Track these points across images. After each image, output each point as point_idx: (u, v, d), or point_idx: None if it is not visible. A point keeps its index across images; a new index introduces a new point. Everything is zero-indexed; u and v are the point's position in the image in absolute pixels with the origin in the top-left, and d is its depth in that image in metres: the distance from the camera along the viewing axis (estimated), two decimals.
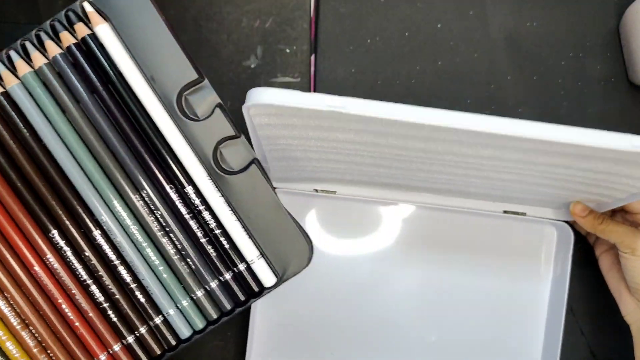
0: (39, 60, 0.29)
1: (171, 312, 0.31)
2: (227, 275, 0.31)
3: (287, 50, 0.48)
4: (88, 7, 0.29)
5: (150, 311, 0.31)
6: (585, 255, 0.49)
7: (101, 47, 0.29)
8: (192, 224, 0.31)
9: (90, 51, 0.29)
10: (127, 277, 0.31)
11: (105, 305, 0.31)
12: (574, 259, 0.47)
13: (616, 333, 0.48)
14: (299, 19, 0.48)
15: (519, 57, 0.49)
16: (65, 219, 0.30)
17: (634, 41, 0.47)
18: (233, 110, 0.48)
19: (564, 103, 0.49)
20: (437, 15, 0.49)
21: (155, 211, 0.30)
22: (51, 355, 0.30)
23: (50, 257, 0.30)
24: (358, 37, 0.49)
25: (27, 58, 0.30)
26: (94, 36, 0.29)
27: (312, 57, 0.49)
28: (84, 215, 0.30)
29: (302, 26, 0.49)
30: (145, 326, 0.31)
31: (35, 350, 0.30)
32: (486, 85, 0.49)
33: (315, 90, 0.49)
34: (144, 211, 0.30)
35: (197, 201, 0.30)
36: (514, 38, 0.49)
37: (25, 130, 0.29)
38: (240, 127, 0.48)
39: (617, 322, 0.47)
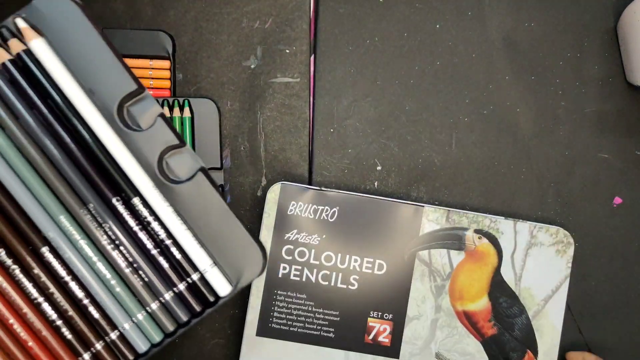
0: None
1: (127, 326, 0.31)
2: (181, 286, 0.31)
3: (287, 51, 0.49)
4: (21, 23, 0.29)
5: (105, 326, 0.31)
6: (586, 255, 0.49)
7: (37, 62, 0.29)
8: (142, 235, 0.30)
9: (26, 67, 0.29)
10: (79, 293, 0.30)
11: (59, 322, 0.30)
12: (575, 258, 0.47)
13: (616, 333, 0.48)
14: (299, 19, 0.49)
15: (517, 57, 0.49)
16: (11, 237, 0.29)
17: (631, 41, 0.47)
18: (232, 110, 0.48)
19: (561, 103, 0.49)
20: (435, 15, 0.49)
21: (103, 224, 0.30)
22: None
23: None
24: (357, 38, 0.49)
25: None
26: (29, 52, 0.29)
27: (312, 57, 0.49)
28: (31, 233, 0.29)
29: (301, 26, 0.49)
30: (101, 342, 0.30)
31: None
32: (484, 85, 0.49)
33: (314, 91, 0.49)
34: (91, 225, 0.30)
35: (145, 212, 0.30)
36: (512, 38, 0.49)
37: None
38: (241, 127, 0.48)
39: (617, 322, 0.47)
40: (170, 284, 0.31)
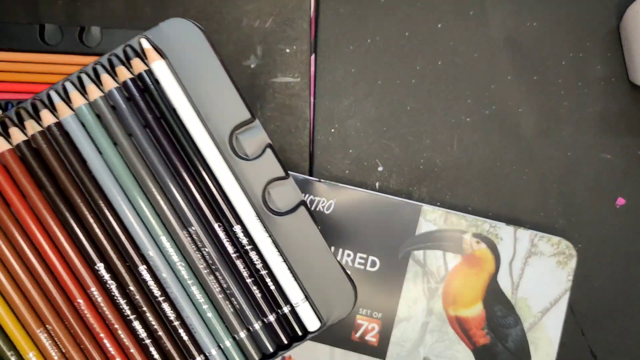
0: (94, 93, 0.29)
1: (213, 352, 0.31)
2: (271, 317, 0.31)
3: (287, 50, 0.48)
4: (145, 44, 0.30)
5: (192, 350, 0.31)
6: (589, 256, 0.49)
7: (156, 83, 0.30)
8: (239, 263, 0.31)
9: (145, 87, 0.30)
10: (171, 314, 0.30)
11: (148, 341, 0.30)
12: (577, 260, 0.47)
13: (616, 333, 0.48)
14: (299, 19, 0.48)
15: (519, 57, 0.49)
16: (112, 252, 0.30)
17: (634, 41, 0.47)
18: None
19: (564, 103, 0.49)
20: (437, 15, 0.49)
21: (202, 249, 0.30)
22: None
23: (95, 290, 0.30)
24: (358, 37, 0.49)
25: (83, 90, 0.30)
26: (149, 72, 0.30)
27: (312, 57, 0.49)
28: (131, 250, 0.30)
29: (302, 26, 0.49)
30: None
31: None
32: (486, 85, 0.49)
33: (315, 91, 0.49)
34: (191, 248, 0.30)
35: (244, 240, 0.30)
36: (514, 38, 0.49)
37: (76, 162, 0.29)
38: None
39: (618, 323, 0.47)
40: (260, 314, 0.31)
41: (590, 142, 0.49)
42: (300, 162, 0.48)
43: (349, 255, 0.45)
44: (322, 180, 0.46)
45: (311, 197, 0.45)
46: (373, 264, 0.44)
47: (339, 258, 0.44)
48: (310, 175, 0.48)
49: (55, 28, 0.48)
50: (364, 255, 0.45)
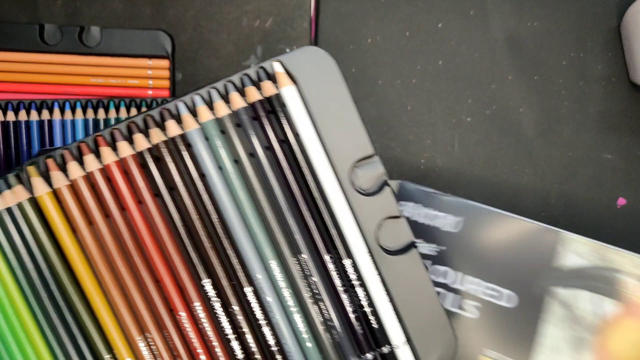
0: (222, 110, 0.29)
1: None
2: (369, 356, 0.30)
3: (287, 50, 0.48)
4: (278, 68, 0.30)
5: None
6: None
7: (283, 106, 0.30)
8: (344, 297, 0.30)
9: (272, 109, 0.30)
10: (270, 339, 0.30)
11: None
12: None
13: None
14: (299, 18, 0.48)
15: (519, 57, 0.49)
16: (219, 269, 0.29)
17: (635, 41, 0.47)
18: None
19: (565, 103, 0.49)
20: (437, 15, 0.49)
21: (309, 277, 0.30)
22: None
23: (198, 305, 0.29)
24: (358, 37, 0.49)
25: (210, 105, 0.30)
26: (278, 95, 0.30)
27: None
28: (239, 270, 0.29)
29: (302, 26, 0.48)
30: None
31: None
32: (487, 85, 0.49)
33: None
34: (298, 275, 0.30)
35: (353, 275, 0.30)
36: (514, 38, 0.49)
37: (194, 175, 0.29)
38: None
39: None
40: (359, 350, 0.30)
41: (591, 142, 0.49)
42: None
43: (475, 283, 0.38)
44: (449, 195, 0.42)
45: (435, 212, 0.39)
46: (504, 297, 0.37)
47: (462, 286, 0.38)
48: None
49: (55, 28, 0.48)
50: (494, 286, 0.38)
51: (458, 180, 0.48)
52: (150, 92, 0.47)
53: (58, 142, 0.44)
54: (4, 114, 0.44)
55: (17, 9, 0.48)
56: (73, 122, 0.45)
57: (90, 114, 0.45)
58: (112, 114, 0.45)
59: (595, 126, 0.49)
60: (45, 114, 0.44)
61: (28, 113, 0.44)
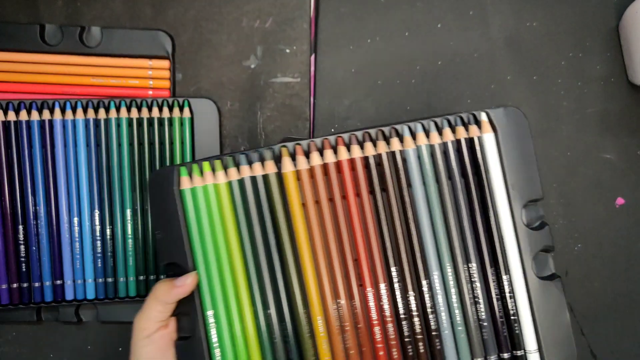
0: (435, 139, 0.37)
1: None
2: (506, 355, 0.37)
3: (287, 50, 0.48)
4: (484, 117, 0.37)
5: (436, 358, 0.37)
6: (589, 256, 0.49)
7: (482, 147, 0.38)
8: (497, 304, 0.37)
9: (473, 147, 0.37)
10: (433, 325, 0.37)
11: (407, 340, 0.37)
12: (577, 259, 0.47)
13: (616, 333, 0.48)
14: (299, 19, 0.49)
15: (519, 57, 0.49)
16: (406, 262, 0.37)
17: (633, 41, 0.47)
18: (232, 110, 0.48)
19: (564, 103, 0.49)
20: (437, 15, 0.49)
21: (473, 283, 0.37)
22: None
23: (383, 286, 0.37)
24: (358, 37, 0.49)
25: (426, 133, 0.38)
26: (480, 138, 0.37)
27: (312, 57, 0.49)
28: (421, 266, 0.37)
29: (302, 26, 0.49)
30: None
31: (340, 353, 0.37)
32: (486, 85, 0.49)
33: (315, 90, 0.49)
34: (465, 279, 0.37)
35: (507, 288, 0.37)
36: (514, 38, 0.49)
37: (404, 184, 0.37)
38: (241, 127, 0.48)
39: (618, 323, 0.47)
40: (498, 349, 0.37)
41: (589, 142, 0.49)
42: None
43: None
44: None
45: None
46: None
47: None
48: None
49: (56, 28, 0.48)
50: None
51: None
52: (150, 92, 0.47)
53: (59, 141, 0.44)
54: (5, 113, 0.44)
55: (18, 10, 0.48)
56: (74, 122, 0.45)
57: (90, 113, 0.45)
58: (113, 114, 0.45)
59: (594, 126, 0.49)
60: (46, 114, 0.44)
61: (29, 113, 0.44)
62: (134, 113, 0.45)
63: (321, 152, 0.36)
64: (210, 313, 0.36)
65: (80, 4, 0.48)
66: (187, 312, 0.36)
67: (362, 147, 0.36)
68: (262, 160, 0.36)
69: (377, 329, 0.36)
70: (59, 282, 0.45)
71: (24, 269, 0.44)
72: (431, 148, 0.37)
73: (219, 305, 0.36)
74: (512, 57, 0.49)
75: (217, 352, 0.36)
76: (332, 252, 0.36)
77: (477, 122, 0.37)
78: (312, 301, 0.36)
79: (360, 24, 0.49)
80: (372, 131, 0.36)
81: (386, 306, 0.36)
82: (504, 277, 0.37)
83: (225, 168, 0.36)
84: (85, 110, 0.45)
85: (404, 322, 0.36)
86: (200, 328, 0.36)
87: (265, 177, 0.36)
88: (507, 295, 0.36)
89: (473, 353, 0.36)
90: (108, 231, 0.45)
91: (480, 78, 0.49)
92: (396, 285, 0.36)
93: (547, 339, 0.36)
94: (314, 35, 0.49)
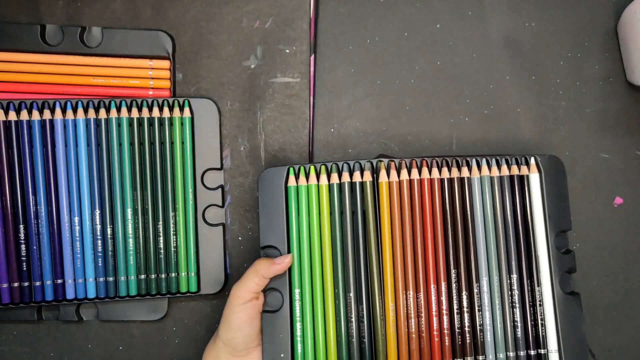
0: (494, 171, 0.45)
1: (491, 357, 0.44)
2: (532, 352, 0.44)
3: (287, 51, 0.49)
4: (532, 161, 0.45)
5: (479, 348, 0.44)
6: (587, 255, 0.49)
7: (528, 184, 0.46)
8: (529, 310, 0.44)
9: (522, 184, 0.45)
10: (478, 321, 0.44)
11: (457, 331, 0.44)
12: (576, 259, 0.47)
13: (617, 333, 0.48)
14: (299, 19, 0.49)
15: (517, 57, 0.49)
16: (463, 268, 0.44)
17: (632, 41, 0.47)
18: (232, 110, 0.48)
19: (562, 103, 0.49)
20: (436, 15, 0.49)
21: (513, 290, 0.44)
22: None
23: (444, 285, 0.44)
24: (357, 37, 0.49)
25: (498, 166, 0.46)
26: (527, 176, 0.45)
27: (312, 57, 0.49)
28: (474, 272, 0.44)
29: (301, 26, 0.49)
30: (470, 358, 0.44)
31: (404, 336, 0.44)
32: (485, 85, 0.49)
33: (314, 90, 0.49)
34: (506, 286, 0.44)
35: (538, 297, 0.45)
36: (512, 38, 0.49)
37: (467, 205, 0.44)
38: (241, 127, 0.48)
39: (616, 322, 0.47)
40: (526, 346, 0.44)
41: (588, 142, 0.49)
42: (299, 161, 0.49)
43: None
44: None
45: None
46: None
47: None
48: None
49: (56, 28, 0.48)
50: None
51: None
52: (150, 92, 0.48)
53: (59, 141, 0.44)
54: (6, 113, 0.44)
55: (19, 10, 0.48)
56: (74, 122, 0.45)
57: (91, 113, 0.45)
58: (113, 113, 0.45)
59: (592, 126, 0.49)
60: (47, 114, 0.45)
61: (30, 113, 0.45)
62: (135, 113, 0.46)
63: (409, 170, 0.44)
64: (297, 291, 0.43)
65: (81, 4, 0.48)
66: (276, 289, 0.43)
67: (439, 171, 0.44)
68: (361, 170, 0.44)
69: (435, 319, 0.43)
70: (59, 281, 0.45)
71: (24, 268, 0.45)
72: (491, 179, 0.45)
73: (305, 285, 0.43)
74: (511, 58, 0.49)
75: (298, 326, 0.43)
76: (407, 252, 0.44)
77: (527, 164, 0.45)
78: (387, 290, 0.43)
79: (359, 24, 0.49)
80: (449, 159, 0.45)
81: (444, 301, 0.44)
82: (537, 289, 0.45)
83: (328, 173, 0.44)
84: (85, 110, 0.45)
85: (456, 316, 0.44)
86: (287, 303, 0.43)
87: (362, 184, 0.44)
88: (538, 303, 0.44)
89: (507, 347, 0.44)
90: (108, 230, 0.45)
91: (479, 78, 0.49)
92: (453, 285, 0.44)
93: (566, 343, 0.44)
94: (314, 35, 0.49)
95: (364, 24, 0.49)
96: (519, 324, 0.44)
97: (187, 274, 0.46)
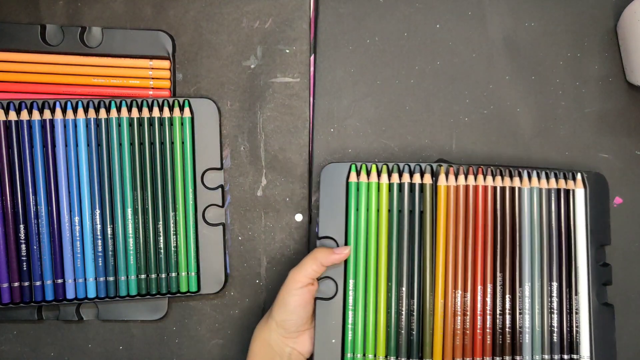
0: (543, 184, 0.47)
1: (527, 358, 0.46)
2: (565, 357, 0.46)
3: (287, 51, 0.49)
4: (579, 176, 0.47)
5: (516, 349, 0.46)
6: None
7: (574, 197, 0.47)
8: (566, 316, 0.46)
9: (567, 198, 0.47)
10: (518, 322, 0.46)
11: (499, 331, 0.46)
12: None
13: (617, 332, 0.48)
14: (299, 19, 0.49)
15: (517, 57, 0.49)
16: (508, 272, 0.46)
17: (631, 41, 0.47)
18: (232, 110, 0.48)
19: (562, 103, 0.49)
20: (435, 15, 0.49)
21: (552, 297, 0.46)
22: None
23: (490, 286, 0.46)
24: (357, 37, 0.49)
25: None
26: (573, 191, 0.47)
27: (312, 57, 0.49)
28: (518, 277, 0.46)
29: (301, 26, 0.49)
30: (509, 357, 0.46)
31: (449, 332, 0.46)
32: (485, 85, 0.49)
33: (314, 90, 0.49)
34: (547, 293, 0.46)
35: (575, 306, 0.47)
36: (512, 38, 0.49)
37: (516, 212, 0.46)
38: (241, 127, 0.48)
39: (616, 321, 0.47)
40: (561, 350, 0.46)
41: (587, 142, 0.49)
42: (299, 161, 0.49)
43: None
44: None
45: None
46: None
47: None
48: (310, 174, 0.49)
49: (56, 28, 0.48)
50: None
51: None
52: (151, 92, 0.48)
53: (60, 141, 0.44)
54: (6, 113, 0.44)
55: (19, 10, 0.48)
56: (75, 122, 0.45)
57: (91, 113, 0.45)
58: (114, 113, 0.45)
59: (592, 126, 0.49)
60: (47, 114, 0.45)
61: (30, 113, 0.45)
62: (135, 113, 0.46)
63: (465, 175, 0.46)
64: (352, 282, 0.45)
65: (81, 4, 0.48)
66: (331, 278, 0.45)
67: (493, 179, 0.46)
68: (421, 172, 0.46)
69: (479, 318, 0.45)
70: (59, 280, 0.45)
71: (25, 268, 0.45)
72: (540, 191, 0.46)
73: (360, 277, 0.45)
74: (511, 58, 0.49)
75: (350, 314, 0.45)
76: (459, 252, 0.46)
77: (574, 179, 0.47)
78: (437, 287, 0.45)
79: (359, 24, 0.49)
80: (502, 169, 0.47)
81: (488, 302, 0.46)
82: (574, 297, 0.47)
83: (389, 172, 0.46)
84: (86, 110, 0.45)
85: (498, 317, 0.46)
86: (340, 291, 0.45)
87: (422, 186, 0.46)
88: (574, 311, 0.46)
89: (543, 350, 0.46)
90: (109, 230, 0.45)
91: (479, 78, 0.49)
92: (498, 288, 0.46)
93: (597, 350, 0.46)
94: (314, 35, 0.49)
95: (364, 24, 0.49)
96: (555, 329, 0.46)
97: (187, 273, 0.46)
